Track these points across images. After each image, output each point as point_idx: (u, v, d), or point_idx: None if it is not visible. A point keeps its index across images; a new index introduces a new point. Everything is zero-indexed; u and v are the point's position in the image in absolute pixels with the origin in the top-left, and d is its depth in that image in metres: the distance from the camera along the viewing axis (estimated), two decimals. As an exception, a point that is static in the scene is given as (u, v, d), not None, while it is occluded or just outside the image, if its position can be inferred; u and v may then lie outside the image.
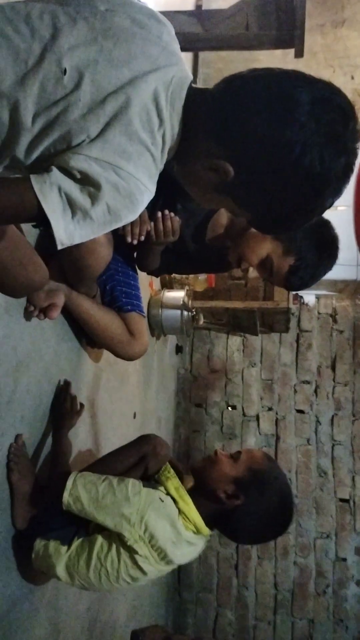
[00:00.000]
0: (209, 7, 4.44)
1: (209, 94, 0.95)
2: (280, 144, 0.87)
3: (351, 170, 0.92)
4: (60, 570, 1.54)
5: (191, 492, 1.56)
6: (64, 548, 1.55)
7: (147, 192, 0.94)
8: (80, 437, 2.10)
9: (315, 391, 3.92)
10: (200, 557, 3.68)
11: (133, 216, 0.95)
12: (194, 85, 0.98)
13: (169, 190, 1.66)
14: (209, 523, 1.59)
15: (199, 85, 4.32)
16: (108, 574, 1.52)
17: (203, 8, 4.44)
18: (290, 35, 1.89)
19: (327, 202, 0.95)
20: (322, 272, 1.76)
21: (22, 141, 0.89)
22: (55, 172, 0.87)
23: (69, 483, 1.52)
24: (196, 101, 0.95)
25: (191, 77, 0.99)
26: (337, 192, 0.94)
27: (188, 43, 2.07)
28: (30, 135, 0.89)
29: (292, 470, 3.80)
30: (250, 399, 3.97)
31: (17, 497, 1.61)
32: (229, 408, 3.98)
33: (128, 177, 0.89)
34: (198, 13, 2.48)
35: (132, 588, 1.85)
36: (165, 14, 2.09)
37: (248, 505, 1.56)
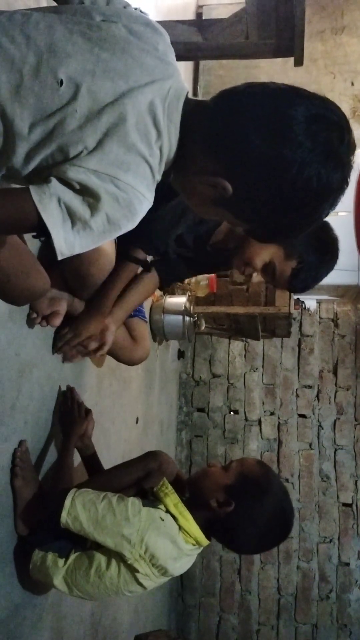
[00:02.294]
0: (209, 16, 4.47)
1: (206, 108, 0.96)
2: (278, 162, 0.89)
3: (347, 183, 0.95)
4: (58, 582, 1.53)
5: (187, 504, 1.56)
6: (62, 561, 1.53)
7: (146, 201, 0.94)
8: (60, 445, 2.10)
9: (317, 396, 3.93)
10: (203, 561, 3.70)
11: (132, 225, 0.95)
12: (190, 97, 0.99)
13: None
14: (207, 533, 1.58)
15: (199, 92, 4.35)
16: (107, 588, 1.51)
17: (203, 17, 4.47)
18: (290, 44, 1.90)
19: (325, 214, 0.97)
20: (324, 273, 1.77)
21: (19, 151, 0.89)
22: (54, 183, 0.88)
23: (67, 502, 1.48)
24: (193, 115, 0.96)
25: (187, 88, 1.00)
26: (334, 204, 0.96)
27: (188, 52, 2.09)
28: (27, 146, 0.89)
29: (294, 474, 3.80)
30: (252, 404, 3.97)
31: (20, 503, 1.61)
32: (231, 412, 3.99)
33: (126, 188, 0.90)
34: (198, 22, 2.50)
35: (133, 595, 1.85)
36: (166, 23, 2.11)
37: (240, 511, 1.54)
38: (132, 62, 0.93)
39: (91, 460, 1.85)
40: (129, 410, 2.77)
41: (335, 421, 3.86)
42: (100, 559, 1.51)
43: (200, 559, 3.63)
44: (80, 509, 1.48)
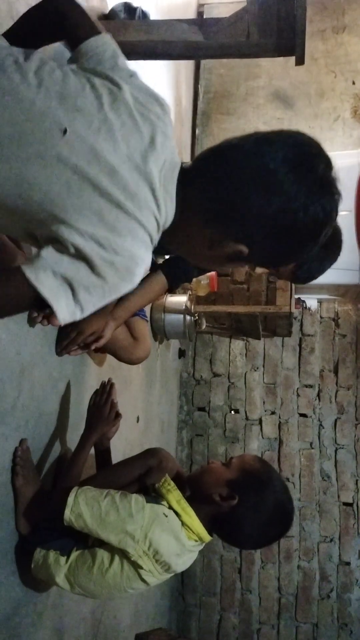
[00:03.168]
0: (209, 15, 4.47)
1: (196, 178, 0.98)
2: (283, 216, 0.93)
3: (341, 194, 0.98)
4: (60, 580, 1.53)
5: (189, 500, 1.56)
6: (63, 559, 1.54)
7: (143, 263, 0.96)
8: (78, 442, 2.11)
9: (318, 395, 3.93)
10: (203, 561, 3.70)
11: (131, 287, 0.97)
12: (182, 164, 1.01)
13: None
14: (209, 529, 1.59)
15: (200, 92, 4.33)
16: (110, 585, 1.51)
17: (204, 16, 4.47)
18: (291, 43, 1.89)
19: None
20: (329, 263, 1.77)
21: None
22: (46, 255, 0.88)
23: (70, 500, 1.48)
24: (186, 186, 0.98)
25: (180, 160, 1.02)
26: (335, 220, 1.01)
27: (189, 51, 2.08)
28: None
29: (295, 474, 3.80)
30: (253, 403, 3.97)
31: (21, 502, 1.61)
32: (232, 412, 3.99)
33: (123, 252, 0.91)
34: (199, 21, 2.50)
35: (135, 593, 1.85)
36: (166, 22, 2.11)
37: (244, 504, 1.55)
38: (133, 129, 0.94)
39: (104, 455, 1.85)
40: (130, 410, 2.77)
41: (336, 420, 3.86)
42: (102, 556, 1.51)
43: (201, 558, 3.63)
44: (84, 506, 1.48)
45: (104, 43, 1.05)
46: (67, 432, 1.96)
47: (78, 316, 0.93)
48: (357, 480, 3.74)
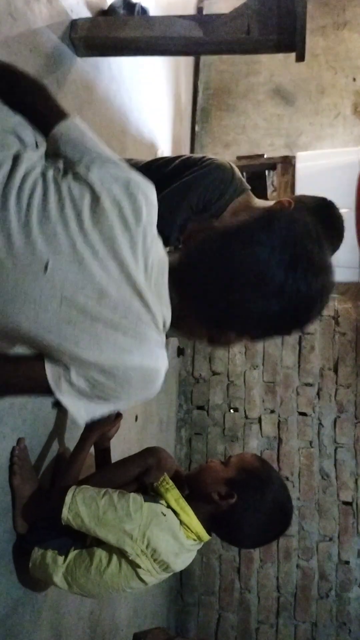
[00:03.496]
0: (209, 11, 4.45)
1: (190, 285, 0.95)
2: (284, 311, 0.91)
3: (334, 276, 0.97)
4: (58, 579, 1.53)
5: (187, 499, 1.56)
6: (61, 558, 1.53)
7: (161, 369, 0.94)
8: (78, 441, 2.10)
9: (318, 394, 3.92)
10: (202, 560, 3.69)
11: (153, 393, 0.96)
12: (170, 262, 0.97)
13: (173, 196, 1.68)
14: (207, 528, 1.58)
15: (200, 88, 4.31)
16: (108, 585, 1.51)
17: (204, 12, 4.45)
18: (291, 39, 1.88)
19: None
20: (331, 251, 1.76)
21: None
22: (73, 375, 0.89)
23: (68, 499, 1.48)
24: (180, 291, 0.95)
25: (167, 258, 0.97)
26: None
27: (189, 47, 2.07)
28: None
29: (294, 473, 3.79)
30: (252, 402, 3.97)
31: (19, 501, 1.61)
32: (231, 410, 3.98)
33: (133, 370, 0.90)
34: (199, 17, 2.48)
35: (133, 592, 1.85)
36: (166, 18, 2.10)
37: (243, 503, 1.55)
38: (116, 242, 0.89)
39: (104, 455, 1.84)
40: (129, 408, 2.76)
41: (335, 419, 3.85)
42: (100, 555, 1.51)
43: (199, 557, 3.63)
44: (81, 506, 1.47)
45: (74, 130, 0.99)
46: (65, 432, 1.95)
47: (97, 416, 0.94)
48: (356, 480, 3.74)
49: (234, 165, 1.75)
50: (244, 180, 1.78)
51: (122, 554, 1.48)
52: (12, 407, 1.58)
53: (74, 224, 0.87)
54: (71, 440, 1.97)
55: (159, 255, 0.94)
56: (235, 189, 1.72)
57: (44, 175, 0.91)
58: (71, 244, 0.86)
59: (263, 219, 0.92)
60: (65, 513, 1.47)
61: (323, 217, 1.70)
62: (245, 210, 1.75)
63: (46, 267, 0.85)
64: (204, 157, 1.76)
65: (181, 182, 1.71)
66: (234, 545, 1.80)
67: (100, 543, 1.52)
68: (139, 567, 1.47)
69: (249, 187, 1.78)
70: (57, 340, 0.87)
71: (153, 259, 0.92)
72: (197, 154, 1.80)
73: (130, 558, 1.46)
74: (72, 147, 0.96)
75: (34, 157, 0.95)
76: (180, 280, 0.95)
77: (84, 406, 0.91)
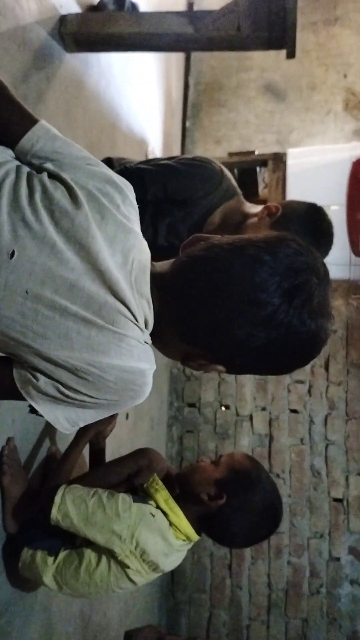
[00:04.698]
0: (200, 7, 4.43)
1: (175, 295, 0.87)
2: (269, 347, 0.83)
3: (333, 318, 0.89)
4: (47, 580, 1.53)
5: (177, 499, 1.55)
6: (51, 559, 1.53)
7: (144, 370, 0.88)
8: (71, 440, 2.09)
9: (309, 391, 3.93)
10: (193, 557, 3.69)
11: (142, 396, 0.90)
12: (152, 266, 0.90)
13: (159, 196, 1.66)
14: (197, 528, 1.58)
15: (191, 83, 4.29)
16: (97, 585, 1.50)
17: (194, 8, 4.43)
18: (282, 36, 1.87)
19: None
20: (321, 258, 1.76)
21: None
22: (41, 381, 0.83)
23: (57, 499, 1.47)
24: (163, 296, 0.87)
25: (149, 254, 0.91)
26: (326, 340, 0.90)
27: (179, 44, 2.06)
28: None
29: (285, 470, 3.80)
30: (243, 399, 3.97)
31: (9, 501, 1.60)
32: (223, 408, 3.98)
33: (110, 369, 0.83)
34: (189, 13, 2.47)
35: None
36: (157, 14, 2.08)
37: (232, 504, 1.55)
38: (90, 235, 0.84)
39: (98, 455, 1.83)
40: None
41: (326, 416, 3.86)
42: (90, 556, 1.51)
43: (190, 555, 3.63)
44: (71, 506, 1.47)
45: (45, 135, 0.92)
46: (56, 432, 1.94)
47: (81, 424, 0.89)
48: (347, 476, 3.75)
49: (224, 169, 1.72)
50: (235, 184, 1.76)
51: (111, 554, 1.47)
52: (0, 406, 1.57)
53: (45, 214, 0.83)
54: (62, 440, 1.96)
55: (140, 252, 0.88)
56: (225, 192, 1.69)
57: (18, 168, 0.88)
58: (42, 232, 0.81)
59: (271, 241, 0.84)
60: (54, 513, 1.46)
61: (313, 222, 1.69)
62: (235, 214, 1.74)
63: (12, 255, 0.80)
64: (196, 156, 1.74)
65: (166, 164, 1.67)
66: (223, 545, 1.80)
67: (89, 544, 1.51)
68: (128, 567, 1.47)
69: (240, 192, 1.77)
70: (22, 337, 0.81)
71: (134, 255, 0.86)
72: (190, 155, 1.78)
73: (119, 559, 1.46)
74: (45, 154, 0.90)
75: (9, 154, 0.91)
76: (167, 287, 0.87)
77: (62, 414, 0.86)
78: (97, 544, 1.47)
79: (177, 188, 1.67)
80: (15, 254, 0.80)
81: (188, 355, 0.89)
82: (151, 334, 0.89)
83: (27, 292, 0.80)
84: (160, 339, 0.90)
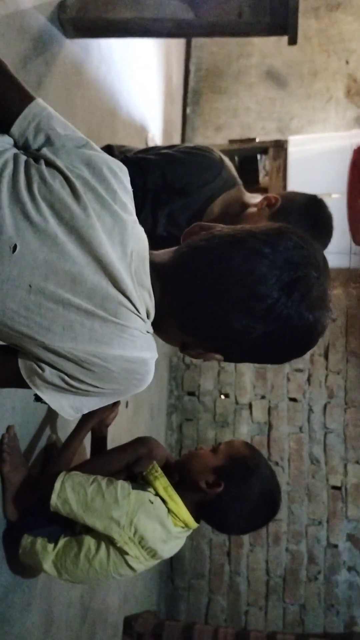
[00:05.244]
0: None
1: (175, 285, 0.88)
2: (266, 339, 0.84)
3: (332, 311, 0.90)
4: (47, 567, 1.54)
5: (176, 487, 1.56)
6: (51, 546, 1.54)
7: (146, 359, 0.88)
8: (72, 427, 2.10)
9: (308, 379, 3.93)
10: (192, 544, 3.72)
11: (144, 384, 0.91)
12: (152, 255, 0.90)
13: (158, 184, 1.65)
14: (196, 516, 1.59)
15: (192, 70, 4.25)
16: (97, 572, 1.52)
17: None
18: (283, 22, 1.85)
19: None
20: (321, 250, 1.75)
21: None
22: (47, 372, 0.84)
23: (57, 485, 1.49)
24: (163, 286, 0.88)
25: (146, 242, 0.91)
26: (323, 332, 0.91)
27: (179, 29, 2.04)
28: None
29: (284, 458, 3.82)
30: (243, 387, 3.98)
31: (9, 488, 1.61)
32: (222, 396, 3.99)
33: (114, 360, 0.84)
34: (190, -2, 2.44)
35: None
36: (158, 0, 2.05)
37: (230, 491, 1.56)
38: (90, 225, 0.83)
39: (99, 442, 1.84)
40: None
41: (325, 405, 3.87)
42: (89, 543, 1.52)
43: (189, 541, 3.66)
44: (70, 492, 1.48)
45: (41, 113, 0.92)
46: (57, 420, 1.95)
47: (85, 411, 0.90)
48: (345, 464, 3.77)
49: (225, 158, 1.71)
50: (235, 174, 1.75)
51: (110, 541, 1.49)
52: None
53: (45, 206, 0.82)
54: (62, 428, 1.97)
55: (139, 241, 0.88)
56: (225, 181, 1.68)
57: (15, 157, 0.87)
58: (43, 225, 0.81)
59: (272, 233, 0.85)
60: (54, 499, 1.48)
61: (313, 215, 1.68)
62: (235, 204, 1.73)
63: (14, 249, 0.80)
64: (196, 145, 1.73)
65: (165, 153, 1.66)
66: (222, 532, 1.82)
67: (89, 530, 1.52)
68: (127, 554, 1.48)
69: (241, 182, 1.76)
70: (26, 330, 0.81)
71: (132, 246, 0.86)
72: (191, 143, 1.76)
73: (118, 545, 1.47)
74: (42, 132, 0.90)
75: (6, 141, 0.91)
76: (167, 278, 0.88)
77: (67, 402, 0.87)
78: (96, 530, 1.48)
79: (176, 176, 1.66)
80: (18, 247, 0.80)
81: (187, 344, 0.90)
82: (152, 323, 0.90)
83: (30, 285, 0.80)
84: (160, 327, 0.91)
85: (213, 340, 0.88)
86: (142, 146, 2.00)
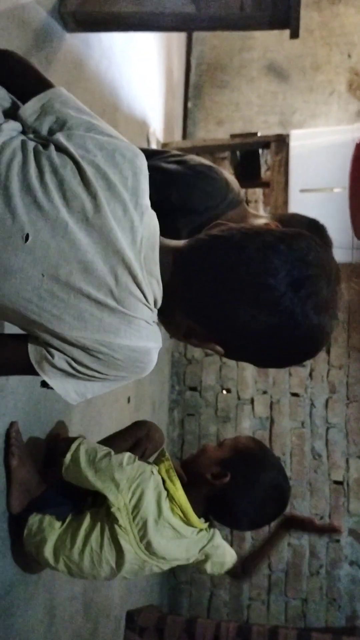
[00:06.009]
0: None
1: (185, 273, 0.90)
2: (270, 335, 0.85)
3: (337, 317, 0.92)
4: (49, 548, 1.56)
5: (185, 487, 1.57)
6: (58, 523, 1.59)
7: (150, 349, 0.90)
8: (74, 423, 2.10)
9: (310, 374, 3.93)
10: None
11: (146, 372, 0.93)
12: (165, 240, 0.92)
13: (164, 205, 1.63)
14: (205, 512, 1.59)
15: (193, 63, 4.23)
16: (92, 551, 1.54)
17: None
18: (285, 16, 1.84)
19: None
20: None
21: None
22: (55, 354, 0.87)
23: (73, 446, 1.59)
24: (171, 273, 0.90)
25: (157, 228, 0.91)
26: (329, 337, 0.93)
27: (181, 23, 2.03)
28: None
29: (286, 453, 3.82)
30: (244, 382, 3.98)
31: (15, 482, 1.62)
32: (224, 391, 3.99)
33: (120, 349, 0.87)
34: (192, -8, 2.42)
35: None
36: (158, -8, 2.04)
37: (236, 482, 1.57)
38: (101, 213, 0.84)
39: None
40: (121, 390, 2.76)
41: (327, 400, 3.87)
42: (88, 519, 1.57)
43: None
44: (83, 453, 1.57)
45: (59, 97, 0.94)
46: (58, 416, 1.95)
47: (88, 396, 0.92)
48: (347, 459, 3.77)
49: (229, 178, 1.67)
50: (240, 191, 1.72)
51: (106, 514, 1.53)
52: (2, 391, 1.57)
53: (56, 195, 0.83)
54: (63, 425, 1.98)
55: (150, 228, 0.89)
56: (230, 203, 1.66)
57: (23, 145, 0.87)
58: (54, 214, 0.82)
59: (289, 233, 0.88)
60: (68, 457, 1.57)
61: (313, 227, 1.69)
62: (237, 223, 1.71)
63: (26, 238, 0.81)
64: (202, 164, 1.67)
65: (171, 172, 1.64)
66: (231, 527, 1.82)
67: (90, 508, 1.60)
68: (117, 522, 1.50)
69: (244, 199, 1.75)
70: (38, 318, 0.83)
71: (142, 233, 0.86)
72: (196, 159, 1.70)
73: (111, 509, 1.50)
74: (55, 115, 0.91)
75: (14, 128, 0.91)
76: (182, 260, 0.90)
77: (72, 387, 0.90)
78: (95, 488, 1.53)
79: (180, 197, 1.64)
80: (30, 236, 0.81)
81: (190, 332, 0.92)
82: (159, 309, 0.92)
83: (42, 274, 0.82)
84: (165, 313, 0.93)
85: (217, 329, 0.89)
86: (143, 140, 1.99)
